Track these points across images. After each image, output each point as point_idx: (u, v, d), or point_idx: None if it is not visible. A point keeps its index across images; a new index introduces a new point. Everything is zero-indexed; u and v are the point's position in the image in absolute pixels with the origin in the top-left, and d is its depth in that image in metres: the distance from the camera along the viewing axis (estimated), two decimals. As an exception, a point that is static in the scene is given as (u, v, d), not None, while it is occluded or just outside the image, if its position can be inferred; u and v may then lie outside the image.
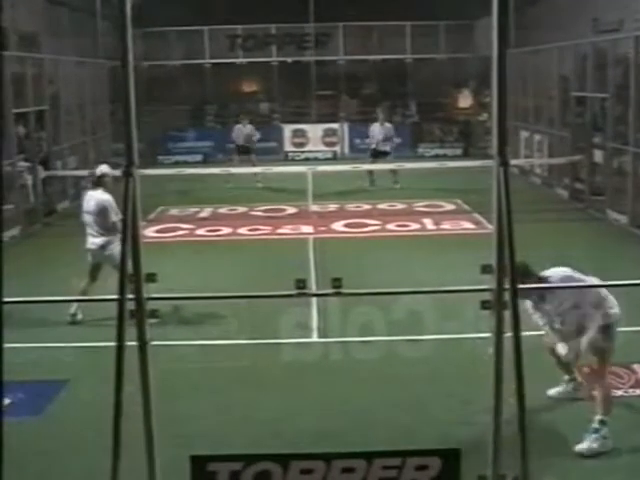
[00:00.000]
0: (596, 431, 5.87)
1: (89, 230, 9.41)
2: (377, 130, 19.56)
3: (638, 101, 13.61)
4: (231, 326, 8.03)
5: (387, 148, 19.40)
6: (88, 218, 9.44)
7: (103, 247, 9.25)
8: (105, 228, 9.24)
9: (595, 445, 5.85)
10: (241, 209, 16.55)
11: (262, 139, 25.76)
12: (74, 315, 9.10)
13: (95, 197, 9.43)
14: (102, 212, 9.25)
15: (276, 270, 10.36)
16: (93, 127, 20.40)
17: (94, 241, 9.35)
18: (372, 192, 18.11)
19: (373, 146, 19.58)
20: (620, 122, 14.76)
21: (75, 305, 9.08)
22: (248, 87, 28.52)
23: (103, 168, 9.74)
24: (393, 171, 18.59)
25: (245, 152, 20.03)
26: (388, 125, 19.74)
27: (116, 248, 8.35)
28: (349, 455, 4.18)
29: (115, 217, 9.06)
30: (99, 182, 9.54)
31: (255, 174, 19.19)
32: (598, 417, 5.92)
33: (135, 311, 4.22)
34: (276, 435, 6.16)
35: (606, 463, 5.72)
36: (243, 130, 20.26)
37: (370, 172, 18.83)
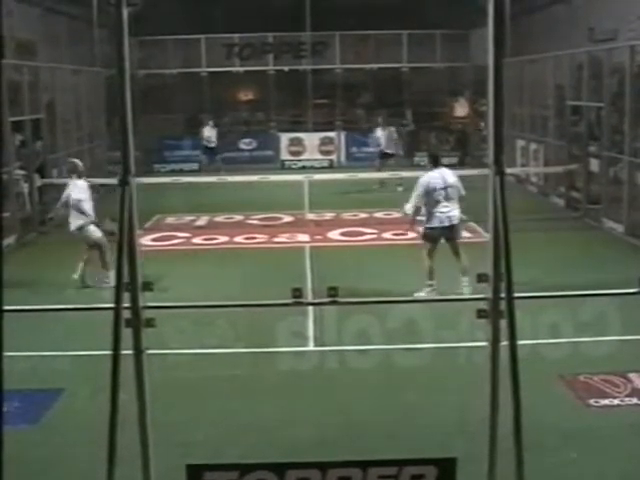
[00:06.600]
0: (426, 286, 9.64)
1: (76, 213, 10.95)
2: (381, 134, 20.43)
3: (633, 110, 13.65)
4: (227, 335, 8.01)
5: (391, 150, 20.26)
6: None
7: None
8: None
9: (422, 294, 9.49)
10: (237, 217, 16.54)
11: (259, 147, 25.90)
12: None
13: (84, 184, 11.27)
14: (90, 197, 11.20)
15: (272, 279, 10.36)
16: (89, 135, 20.39)
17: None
18: (369, 200, 18.10)
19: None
20: (616, 131, 14.79)
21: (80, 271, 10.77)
22: (245, 96, 28.52)
23: (78, 161, 12.01)
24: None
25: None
26: (391, 129, 20.56)
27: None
28: (345, 464, 4.17)
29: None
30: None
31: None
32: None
33: (131, 320, 4.21)
34: (272, 444, 6.15)
35: (602, 470, 5.72)
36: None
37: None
